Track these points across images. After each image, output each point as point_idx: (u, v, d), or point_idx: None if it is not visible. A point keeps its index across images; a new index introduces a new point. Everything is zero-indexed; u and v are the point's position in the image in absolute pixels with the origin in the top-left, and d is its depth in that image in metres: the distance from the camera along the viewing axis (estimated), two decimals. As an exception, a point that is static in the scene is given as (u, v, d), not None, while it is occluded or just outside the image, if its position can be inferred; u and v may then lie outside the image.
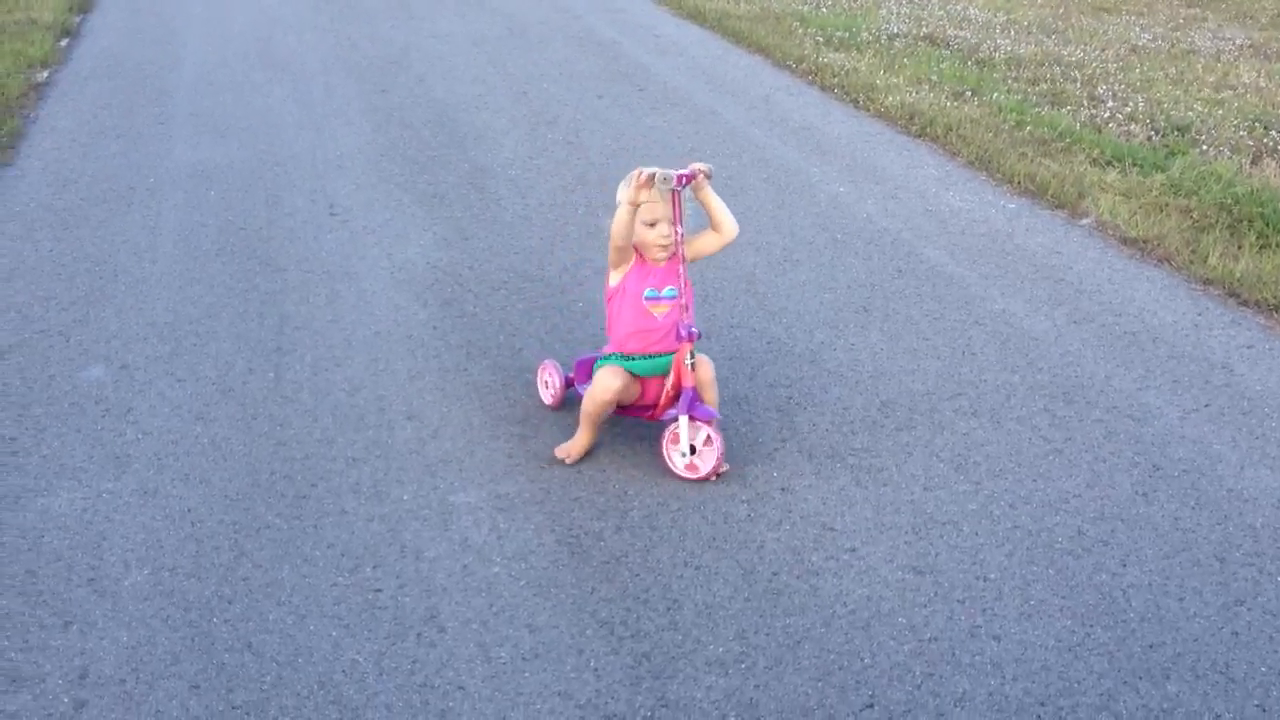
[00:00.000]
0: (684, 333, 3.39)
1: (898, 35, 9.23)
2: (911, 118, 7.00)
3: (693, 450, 3.40)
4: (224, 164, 6.02)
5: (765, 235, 5.25)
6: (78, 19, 9.41)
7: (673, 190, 3.34)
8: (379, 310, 4.42)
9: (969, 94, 7.52)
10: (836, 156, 6.42)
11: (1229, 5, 11.02)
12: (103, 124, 6.66)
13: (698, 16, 10.02)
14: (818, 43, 8.93)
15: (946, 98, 7.41)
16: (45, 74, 7.73)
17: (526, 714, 2.53)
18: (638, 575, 2.99)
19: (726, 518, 3.23)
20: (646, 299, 3.44)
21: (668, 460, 3.44)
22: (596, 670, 2.67)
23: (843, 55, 8.55)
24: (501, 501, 3.27)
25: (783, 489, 3.37)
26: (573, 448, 3.49)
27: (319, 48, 8.68)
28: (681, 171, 3.35)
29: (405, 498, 3.28)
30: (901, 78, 7.90)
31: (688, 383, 3.38)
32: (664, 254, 3.42)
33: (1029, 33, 9.53)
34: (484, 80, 7.83)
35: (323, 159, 6.14)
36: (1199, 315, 4.54)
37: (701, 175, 3.41)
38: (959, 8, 10.50)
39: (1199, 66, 8.40)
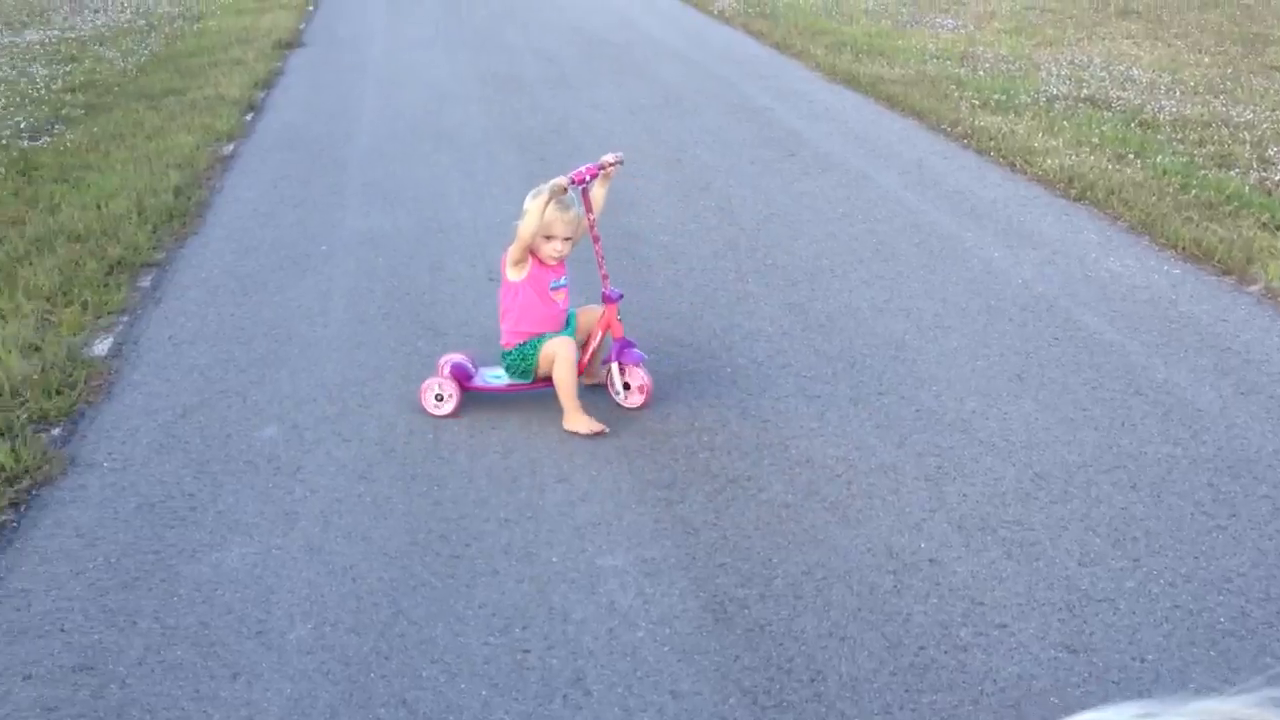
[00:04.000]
0: (611, 295, 4.17)
1: (1057, 97, 9.10)
2: (1071, 181, 6.89)
3: (626, 388, 4.21)
4: (392, 231, 6.29)
5: (916, 301, 5.23)
6: (261, 95, 9.97)
7: (583, 187, 4.06)
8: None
9: (1131, 156, 7.36)
10: (991, 221, 6.36)
11: None
12: (282, 194, 7.04)
13: (851, 81, 10.06)
14: (974, 106, 8.87)
15: (1108, 160, 7.27)
16: (231, 146, 8.21)
17: (668, 779, 2.56)
18: (781, 644, 3.00)
19: (872, 589, 3.22)
20: (552, 289, 4.12)
21: (614, 398, 4.24)
22: (738, 738, 2.68)
23: (1000, 118, 8.47)
24: (648, 566, 3.33)
25: (931, 560, 3.34)
26: (583, 423, 4.04)
27: (483, 119, 9.02)
28: (580, 171, 4.03)
29: (554, 560, 3.36)
30: (1061, 140, 7.78)
31: (618, 334, 4.17)
32: (554, 262, 4.10)
33: (1195, 93, 9.28)
34: (638, 148, 8.00)
35: (484, 226, 6.37)
36: (1378, 387, 4.33)
37: (611, 167, 4.12)
38: (1121, 68, 10.30)
39: (1381, 125, 8.05)
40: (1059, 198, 6.78)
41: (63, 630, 3.07)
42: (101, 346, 4.84)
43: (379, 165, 7.69)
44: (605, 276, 4.24)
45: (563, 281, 4.18)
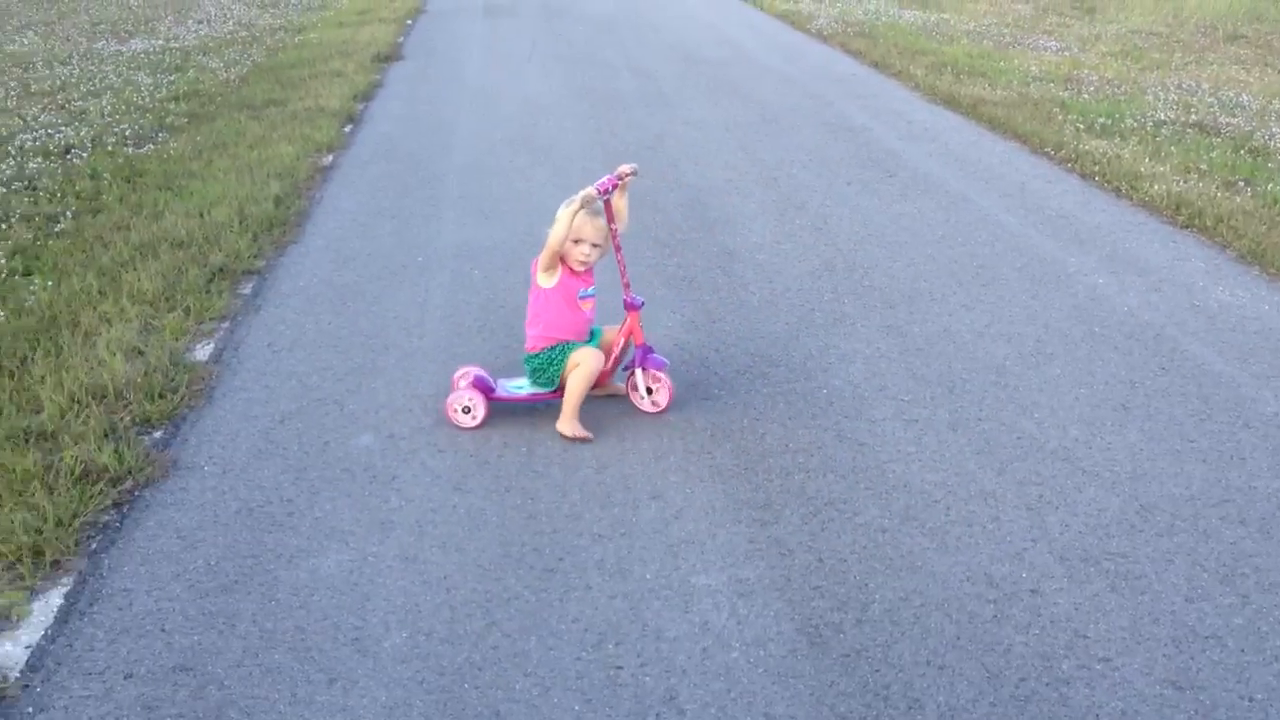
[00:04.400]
0: (634, 302, 4.29)
1: (1164, 122, 8.90)
2: (1178, 208, 6.73)
3: (650, 392, 4.33)
4: (488, 244, 6.34)
5: (1017, 326, 5.13)
6: (360, 106, 10.14)
7: (605, 200, 4.17)
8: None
9: (1241, 184, 7.16)
10: (1096, 246, 6.23)
11: None
12: (379, 205, 7.13)
13: (951, 102, 9.95)
14: (1078, 129, 8.71)
15: (1217, 188, 7.09)
16: (330, 157, 8.36)
17: (762, 805, 2.52)
18: (878, 671, 2.94)
19: (971, 617, 3.14)
20: (581, 297, 4.25)
21: (637, 403, 4.38)
22: (833, 766, 2.63)
23: (1105, 142, 8.30)
24: (742, 586, 3.29)
25: (1032, 591, 3.26)
26: (575, 427, 4.16)
27: (579, 134, 9.06)
28: (603, 182, 4.12)
29: (648, 576, 3.34)
30: (1168, 166, 7.61)
31: (639, 341, 4.30)
32: (582, 267, 4.21)
33: (1310, 118, 9.02)
34: (734, 166, 7.98)
35: (578, 241, 6.37)
36: None
37: (628, 178, 4.25)
38: (1231, 94, 10.05)
39: None
40: (1165, 224, 6.62)
41: (163, 630, 3.12)
42: (203, 352, 4.94)
43: (475, 178, 7.76)
44: (627, 285, 4.34)
45: (591, 291, 4.29)
